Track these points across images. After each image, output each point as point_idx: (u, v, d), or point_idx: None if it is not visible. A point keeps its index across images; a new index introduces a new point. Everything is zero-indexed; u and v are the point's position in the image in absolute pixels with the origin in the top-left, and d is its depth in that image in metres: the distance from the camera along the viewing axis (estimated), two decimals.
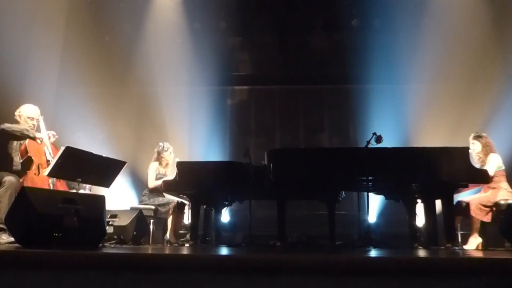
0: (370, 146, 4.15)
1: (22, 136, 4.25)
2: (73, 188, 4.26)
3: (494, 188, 4.57)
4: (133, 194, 6.89)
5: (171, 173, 5.67)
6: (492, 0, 7.15)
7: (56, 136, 4.58)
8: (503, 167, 4.65)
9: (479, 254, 3.41)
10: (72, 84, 7.27)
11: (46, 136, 4.43)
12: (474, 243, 4.41)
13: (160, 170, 5.62)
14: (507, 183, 4.62)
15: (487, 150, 4.70)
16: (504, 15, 7.08)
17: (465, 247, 4.43)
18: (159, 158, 5.65)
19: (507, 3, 7.08)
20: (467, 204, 4.52)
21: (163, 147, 5.66)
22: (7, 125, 4.22)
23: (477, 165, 4.63)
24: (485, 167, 4.60)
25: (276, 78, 8.07)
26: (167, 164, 5.70)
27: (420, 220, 4.73)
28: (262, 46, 8.16)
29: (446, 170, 4.33)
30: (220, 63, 7.68)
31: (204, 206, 5.30)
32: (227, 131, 7.90)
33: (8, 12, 6.01)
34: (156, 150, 5.71)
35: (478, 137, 4.77)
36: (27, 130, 4.26)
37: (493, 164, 4.58)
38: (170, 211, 5.37)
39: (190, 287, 2.16)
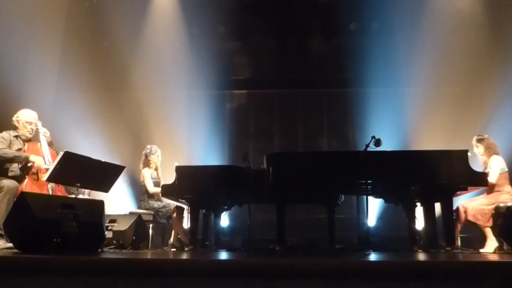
0: (369, 149, 4.15)
1: (14, 161, 4.22)
2: (72, 193, 4.25)
3: (497, 191, 4.57)
4: (132, 199, 6.88)
5: (163, 177, 5.70)
6: (490, 3, 7.19)
7: (47, 135, 4.55)
8: (506, 169, 4.65)
9: (479, 258, 3.41)
10: (70, 89, 7.27)
11: (46, 150, 4.41)
12: (491, 246, 4.41)
13: (153, 174, 5.64)
14: (510, 186, 4.62)
15: (489, 152, 4.72)
16: (501, 18, 7.11)
17: (481, 250, 4.43)
18: (147, 162, 5.67)
19: (504, 7, 7.11)
20: (466, 210, 4.52)
21: (151, 150, 5.69)
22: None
23: (481, 168, 4.65)
24: (488, 170, 4.60)
25: (275, 82, 8.08)
26: (156, 167, 5.73)
27: (420, 223, 4.72)
28: (260, 50, 8.16)
29: (445, 173, 4.34)
30: (219, 67, 7.69)
31: (203, 210, 5.29)
32: (226, 135, 7.89)
33: (7, 17, 6.01)
34: (143, 152, 5.73)
35: (480, 140, 4.81)
36: (18, 157, 4.21)
37: (496, 168, 4.59)
38: (171, 214, 5.40)
39: None
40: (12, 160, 4.20)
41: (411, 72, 6.96)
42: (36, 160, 4.24)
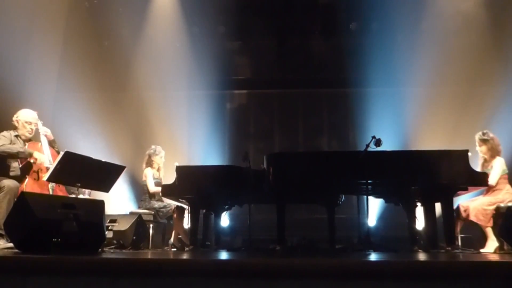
0: (369, 149, 4.15)
1: (18, 156, 4.23)
2: (72, 193, 4.25)
3: (497, 189, 4.57)
4: (132, 199, 6.89)
5: (164, 177, 5.70)
6: (490, 3, 7.19)
7: (49, 134, 4.55)
8: (507, 171, 4.65)
9: (479, 257, 3.41)
10: (71, 89, 7.27)
11: (47, 150, 4.41)
12: (492, 246, 4.41)
13: (155, 174, 5.65)
14: (510, 186, 4.62)
15: (492, 153, 4.70)
16: (501, 18, 7.11)
17: (482, 250, 4.43)
18: (150, 162, 5.68)
19: (504, 6, 7.11)
20: (467, 209, 4.52)
21: (155, 150, 5.69)
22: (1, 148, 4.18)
23: (479, 164, 4.65)
24: (489, 170, 4.59)
25: (275, 82, 8.08)
26: (159, 168, 5.73)
27: (420, 223, 4.72)
28: (260, 50, 8.17)
29: (445, 173, 4.33)
30: (219, 67, 7.69)
31: (204, 210, 5.29)
32: (226, 135, 7.89)
33: (7, 17, 6.01)
34: (147, 152, 5.74)
35: (484, 141, 4.75)
36: (22, 152, 4.22)
37: (498, 170, 4.58)
38: (171, 214, 5.40)
39: None
40: (16, 155, 4.20)
41: (411, 72, 6.96)
42: (40, 157, 4.25)
